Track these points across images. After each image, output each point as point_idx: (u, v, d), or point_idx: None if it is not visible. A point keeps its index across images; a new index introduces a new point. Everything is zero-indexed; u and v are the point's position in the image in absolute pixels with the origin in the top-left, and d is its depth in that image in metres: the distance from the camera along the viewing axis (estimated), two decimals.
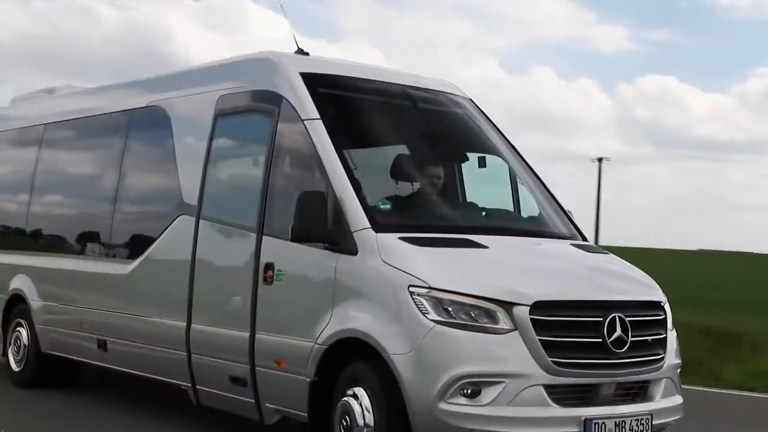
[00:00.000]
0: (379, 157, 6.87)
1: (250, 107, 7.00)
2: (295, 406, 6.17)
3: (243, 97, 7.06)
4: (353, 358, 5.80)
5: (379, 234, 5.78)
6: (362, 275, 5.77)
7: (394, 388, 5.47)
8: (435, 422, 5.29)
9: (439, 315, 5.36)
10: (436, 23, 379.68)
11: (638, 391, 5.79)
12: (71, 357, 8.94)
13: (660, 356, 5.87)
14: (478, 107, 7.56)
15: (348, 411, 5.73)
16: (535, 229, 6.73)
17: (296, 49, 7.21)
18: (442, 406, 5.26)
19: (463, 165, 7.33)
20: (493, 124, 7.48)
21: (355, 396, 5.71)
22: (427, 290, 5.42)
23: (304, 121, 6.35)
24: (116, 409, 8.34)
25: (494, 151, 7.27)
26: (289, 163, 6.61)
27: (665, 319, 6.05)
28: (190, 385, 7.21)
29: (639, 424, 5.62)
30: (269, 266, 6.35)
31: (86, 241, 8.84)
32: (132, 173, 8.36)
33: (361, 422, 5.63)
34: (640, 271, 6.46)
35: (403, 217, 6.17)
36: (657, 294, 6.14)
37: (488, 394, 5.27)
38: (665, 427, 5.92)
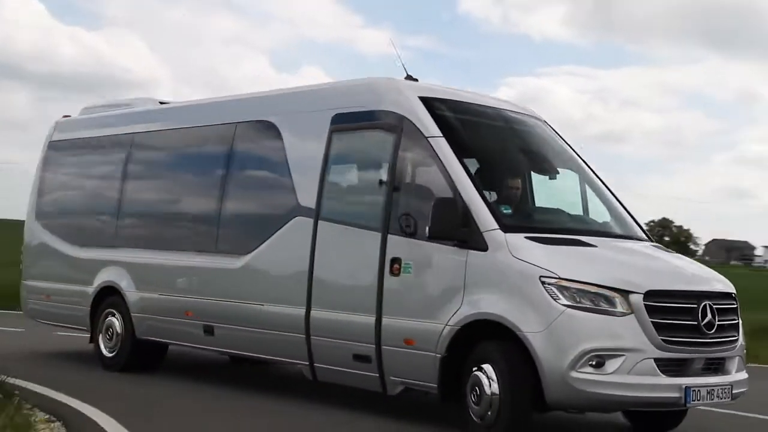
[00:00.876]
0: (488, 168, 7.97)
1: (370, 125, 8.08)
2: (422, 378, 7.27)
3: (362, 116, 8.14)
4: (481, 338, 6.93)
5: (507, 234, 6.93)
6: (493, 268, 6.91)
7: (519, 362, 6.65)
8: (566, 388, 6.47)
9: (568, 300, 6.54)
10: (202, 17, 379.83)
11: (719, 366, 7.02)
12: (172, 342, 9.88)
13: (735, 338, 7.13)
14: (553, 128, 8.78)
15: (478, 383, 6.88)
16: (620, 232, 7.94)
17: (406, 75, 8.30)
18: (573, 374, 6.43)
19: (552, 177, 8.48)
20: (568, 143, 8.70)
21: (482, 370, 6.86)
22: (556, 280, 6.59)
23: (428, 138, 7.48)
24: (205, 386, 9.31)
25: (574, 167, 8.49)
26: (413, 174, 7.71)
27: (737, 307, 7.30)
28: (307, 363, 8.24)
29: (723, 392, 6.88)
30: (396, 260, 7.46)
31: (189, 239, 9.76)
32: (238, 179, 9.34)
33: (488, 392, 6.79)
34: (708, 267, 7.74)
35: (521, 219, 7.37)
36: (730, 286, 7.39)
37: (611, 365, 6.46)
38: (738, 396, 7.17)
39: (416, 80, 8.28)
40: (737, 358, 7.20)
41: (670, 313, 6.67)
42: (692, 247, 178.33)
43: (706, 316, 6.80)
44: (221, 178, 9.42)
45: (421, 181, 7.67)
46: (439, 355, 7.12)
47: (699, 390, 6.71)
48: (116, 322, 10.24)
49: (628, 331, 6.51)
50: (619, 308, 6.54)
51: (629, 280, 6.67)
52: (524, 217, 7.59)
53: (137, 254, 10.21)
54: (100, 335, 10.45)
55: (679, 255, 7.95)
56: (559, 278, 6.61)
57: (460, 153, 7.43)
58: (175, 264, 9.71)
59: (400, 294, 7.48)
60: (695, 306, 6.78)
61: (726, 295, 7.24)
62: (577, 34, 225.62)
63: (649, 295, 6.59)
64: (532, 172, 8.23)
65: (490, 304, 6.87)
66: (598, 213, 8.23)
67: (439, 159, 7.39)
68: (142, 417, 7.69)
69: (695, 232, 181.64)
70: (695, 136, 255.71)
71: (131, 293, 10.08)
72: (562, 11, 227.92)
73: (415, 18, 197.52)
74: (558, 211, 8.12)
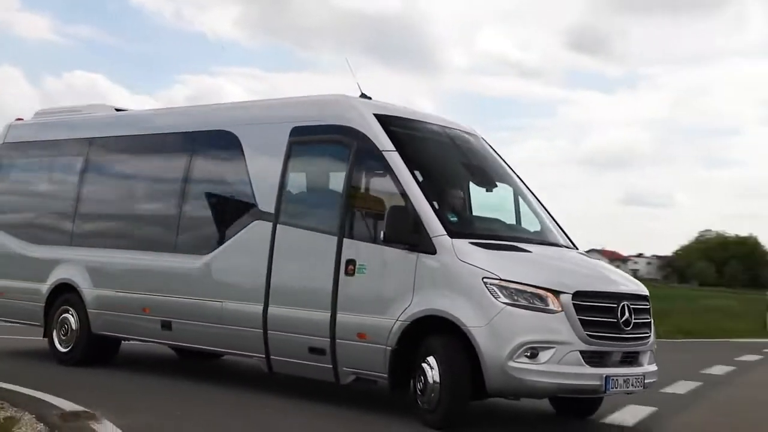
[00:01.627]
0: (434, 180, 8.81)
1: (328, 138, 8.87)
2: (373, 368, 8.08)
3: (319, 130, 8.92)
4: (427, 333, 7.79)
5: (453, 239, 7.81)
6: (441, 270, 7.77)
7: (458, 354, 7.54)
8: (505, 376, 7.37)
9: (507, 298, 7.44)
10: None
11: (633, 358, 8.01)
12: (128, 336, 10.48)
13: (648, 334, 8.14)
14: (489, 144, 9.72)
15: (423, 373, 7.74)
16: (550, 240, 8.91)
17: (360, 93, 9.12)
18: (511, 363, 7.33)
19: (491, 189, 9.39)
20: (502, 157, 9.66)
21: (427, 362, 7.72)
22: (497, 280, 7.49)
23: (383, 152, 8.31)
24: (156, 376, 9.95)
25: (509, 180, 9.45)
26: (367, 183, 8.54)
27: (650, 308, 8.33)
28: (264, 356, 8.96)
29: (637, 381, 7.87)
30: (350, 261, 8.26)
31: (148, 239, 10.38)
32: (197, 185, 10.02)
33: (431, 380, 7.66)
34: (622, 272, 8.78)
35: (466, 227, 8.28)
36: (644, 289, 8.41)
37: (544, 356, 7.38)
38: (649, 385, 8.19)
39: (370, 98, 9.09)
40: (649, 352, 8.21)
41: (595, 312, 7.62)
42: None
43: (624, 314, 7.78)
44: (181, 183, 10.08)
45: (375, 191, 8.49)
46: (389, 348, 7.94)
47: (617, 379, 7.67)
48: (71, 318, 10.76)
49: (559, 327, 7.43)
50: (551, 306, 7.46)
51: (560, 281, 7.60)
52: (468, 225, 8.48)
53: (95, 253, 10.76)
54: (54, 331, 10.96)
55: (600, 261, 8.96)
56: (500, 279, 7.50)
57: (411, 165, 8.27)
58: (134, 262, 10.32)
59: (354, 292, 8.27)
60: (615, 305, 7.76)
61: (641, 297, 8.24)
62: (249, 35, 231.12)
63: (577, 295, 7.54)
64: (471, 184, 9.12)
65: (438, 301, 7.72)
66: (530, 223, 9.18)
67: (392, 171, 8.22)
68: (113, 403, 8.27)
69: None
70: None
71: (88, 290, 10.63)
72: (235, 12, 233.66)
73: (79, 5, 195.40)
74: (496, 221, 9.01)
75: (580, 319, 7.49)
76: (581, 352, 7.49)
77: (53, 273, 11.07)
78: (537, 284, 7.51)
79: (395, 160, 8.26)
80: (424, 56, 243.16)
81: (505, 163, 9.70)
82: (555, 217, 9.38)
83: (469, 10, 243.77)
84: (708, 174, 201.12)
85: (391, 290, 8.03)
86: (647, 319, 8.22)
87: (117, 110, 11.70)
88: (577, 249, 9.11)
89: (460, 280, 7.67)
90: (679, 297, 41.23)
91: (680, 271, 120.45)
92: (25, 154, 12.12)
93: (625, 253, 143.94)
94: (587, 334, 7.50)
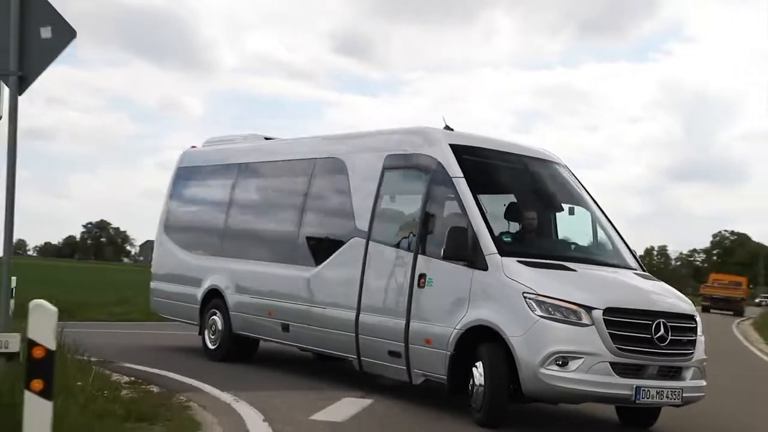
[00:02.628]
0: (501, 203, 9.74)
1: (412, 165, 10.00)
2: (438, 371, 9.10)
3: (406, 158, 10.08)
4: (478, 341, 8.70)
5: (503, 258, 8.69)
6: (491, 284, 8.69)
7: (500, 360, 8.41)
8: (537, 381, 8.18)
9: (542, 312, 8.25)
10: None
11: (675, 373, 8.55)
12: (259, 336, 12.06)
13: (689, 351, 8.64)
14: (570, 170, 10.46)
15: (473, 376, 8.67)
16: (608, 261, 9.59)
17: (444, 125, 10.16)
18: (542, 370, 8.14)
19: (558, 212, 10.18)
20: (581, 183, 10.37)
21: (477, 367, 8.66)
22: (535, 295, 8.31)
23: (452, 178, 9.32)
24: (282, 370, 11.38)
25: (581, 204, 10.17)
26: (439, 206, 9.58)
27: (696, 326, 8.81)
28: (356, 357, 10.19)
29: (673, 394, 8.42)
30: (422, 276, 9.33)
31: (275, 251, 11.92)
32: (313, 204, 11.43)
33: (478, 383, 8.60)
34: (679, 293, 9.29)
35: (518, 246, 9.15)
36: (691, 309, 8.90)
37: (573, 365, 8.13)
38: (694, 400, 8.70)
39: (452, 129, 10.10)
40: (693, 368, 8.70)
41: (625, 327, 8.27)
42: (128, 247, 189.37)
43: (659, 331, 8.35)
44: (300, 202, 11.55)
45: (444, 212, 9.51)
46: (448, 353, 8.94)
47: (649, 390, 8.27)
48: (218, 320, 12.48)
49: (588, 339, 8.16)
50: (584, 320, 8.19)
51: (593, 298, 8.32)
52: (520, 245, 9.30)
53: (236, 263, 12.44)
54: (206, 330, 12.74)
55: (659, 282, 9.51)
56: (537, 294, 8.33)
57: (476, 189, 9.24)
58: (263, 272, 11.87)
59: (423, 303, 9.34)
60: (650, 322, 8.35)
61: (684, 316, 8.77)
62: None
63: (608, 311, 8.23)
64: (540, 207, 9.97)
65: (486, 312, 8.66)
66: (597, 244, 9.91)
67: (458, 194, 9.21)
68: (236, 385, 9.88)
69: (132, 233, 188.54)
70: (123, 138, 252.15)
71: (230, 295, 12.30)
72: None
73: None
74: (556, 241, 9.81)
75: (610, 333, 8.17)
76: (611, 363, 8.16)
77: (207, 280, 12.82)
78: (571, 300, 8.27)
79: (461, 185, 9.24)
80: (194, 55, 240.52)
81: (583, 188, 10.42)
82: (625, 239, 9.99)
83: (236, 8, 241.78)
84: None
85: (451, 302, 9.02)
86: (690, 336, 8.72)
87: (266, 138, 13.35)
88: (639, 270, 9.68)
89: (504, 294, 8.57)
90: None
91: None
92: (193, 177, 14.06)
93: None
94: (617, 347, 8.16)
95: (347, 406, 9.21)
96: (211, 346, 12.62)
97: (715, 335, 25.24)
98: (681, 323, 8.67)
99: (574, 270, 8.89)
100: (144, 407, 7.96)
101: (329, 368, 12.38)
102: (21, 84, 7.34)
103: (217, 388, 9.71)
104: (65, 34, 7.37)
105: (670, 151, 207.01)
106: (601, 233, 10.04)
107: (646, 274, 9.73)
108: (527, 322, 8.29)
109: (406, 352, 9.47)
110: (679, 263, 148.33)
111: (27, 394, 5.25)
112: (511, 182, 10.14)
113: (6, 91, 7.44)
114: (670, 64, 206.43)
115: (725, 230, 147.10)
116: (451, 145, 9.65)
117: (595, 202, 10.34)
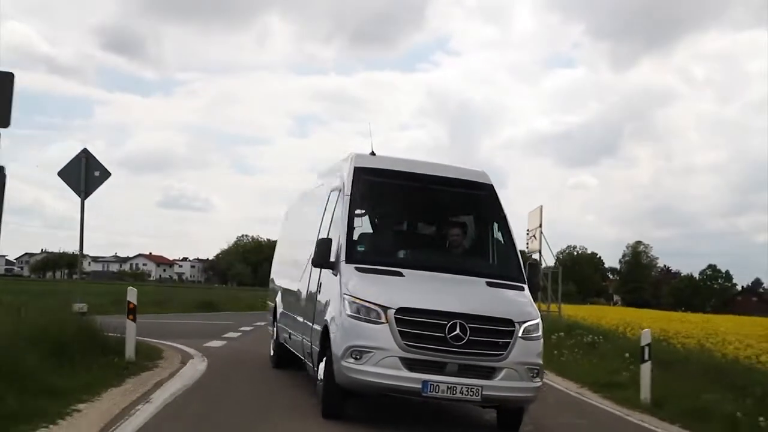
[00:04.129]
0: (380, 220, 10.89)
1: (336, 186, 11.11)
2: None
3: (338, 180, 11.07)
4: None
5: (346, 264, 9.74)
6: (335, 288, 9.76)
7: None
8: (340, 374, 9.19)
9: (352, 311, 9.23)
10: None
11: (480, 372, 8.98)
12: (290, 348, 13.30)
13: (500, 353, 9.03)
14: (490, 191, 10.80)
15: (318, 371, 9.97)
16: (468, 269, 10.04)
17: (370, 151, 11.20)
18: (343, 363, 9.13)
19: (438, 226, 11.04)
20: (494, 202, 10.73)
21: (322, 362, 9.78)
22: (350, 297, 9.32)
23: (345, 196, 10.43)
24: None
25: (477, 218, 10.89)
26: (330, 220, 10.84)
27: (513, 331, 9.14)
28: (303, 358, 11.62)
29: (468, 390, 8.90)
30: (320, 284, 10.58)
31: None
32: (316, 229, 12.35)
33: (320, 377, 9.85)
34: (529, 301, 9.70)
35: (367, 255, 10.04)
36: (515, 316, 9.27)
37: (365, 358, 9.00)
38: (494, 398, 9.13)
39: (374, 154, 11.04)
40: (508, 369, 9.06)
41: (416, 326, 8.94)
42: None
43: (454, 330, 8.89)
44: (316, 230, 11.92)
45: (332, 226, 10.68)
46: (316, 349, 10.28)
47: (438, 385, 8.87)
48: (274, 331, 14.47)
49: (381, 335, 8.98)
50: (381, 319, 9.04)
51: (391, 299, 9.11)
52: (371, 254, 10.09)
53: (285, 282, 14.24)
54: (271, 341, 14.81)
55: (507, 291, 9.83)
56: (351, 296, 9.33)
57: (358, 208, 10.36)
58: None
59: (316, 306, 10.68)
60: (444, 323, 8.92)
61: (496, 320, 9.17)
62: None
63: (400, 311, 9.00)
64: (429, 221, 10.96)
65: (330, 311, 9.77)
66: (462, 254, 10.50)
67: (342, 210, 10.27)
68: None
69: None
70: None
71: (279, 309, 14.17)
72: None
73: None
74: (410, 251, 10.48)
75: (400, 330, 8.93)
76: (400, 358, 8.91)
77: (276, 295, 14.65)
78: (374, 301, 9.16)
79: (345, 201, 10.31)
80: None
81: (496, 208, 10.73)
82: (514, 251, 10.44)
83: None
84: (240, 180, 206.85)
85: (324, 304, 10.19)
86: (503, 339, 9.11)
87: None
88: (520, 283, 10.00)
89: (334, 296, 9.68)
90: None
91: (221, 272, 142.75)
92: (305, 202, 14.62)
93: (170, 257, 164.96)
94: (405, 344, 8.90)
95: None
96: (270, 353, 14.60)
97: None
98: (487, 326, 9.07)
99: (402, 276, 9.59)
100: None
101: None
102: (84, 197, 14.82)
103: None
104: (105, 174, 14.93)
105: (437, 157, 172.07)
106: (477, 245, 10.63)
107: (507, 283, 9.93)
108: (341, 321, 9.31)
109: (310, 352, 10.80)
110: None
111: (127, 322, 13.13)
112: (402, 199, 10.95)
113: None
114: (437, 75, 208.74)
115: None
116: (356, 168, 10.59)
117: (502, 220, 10.65)
